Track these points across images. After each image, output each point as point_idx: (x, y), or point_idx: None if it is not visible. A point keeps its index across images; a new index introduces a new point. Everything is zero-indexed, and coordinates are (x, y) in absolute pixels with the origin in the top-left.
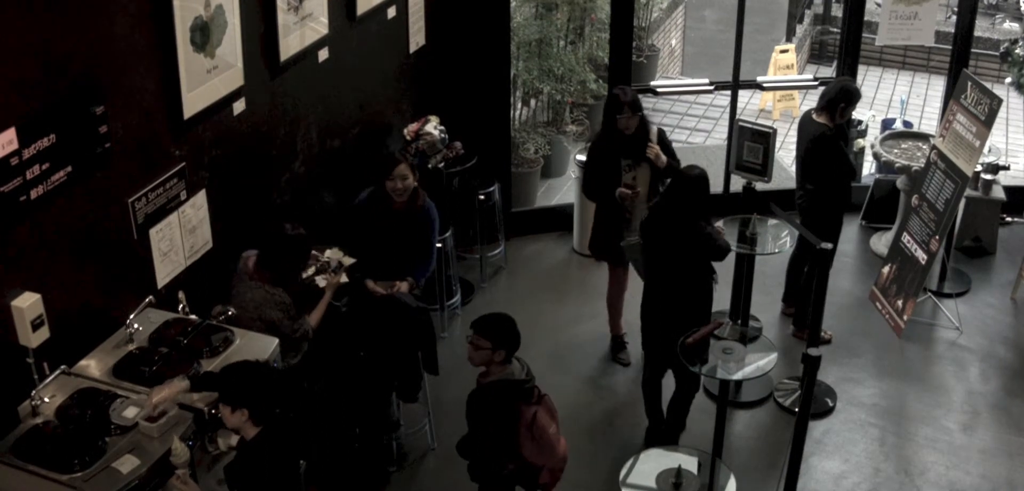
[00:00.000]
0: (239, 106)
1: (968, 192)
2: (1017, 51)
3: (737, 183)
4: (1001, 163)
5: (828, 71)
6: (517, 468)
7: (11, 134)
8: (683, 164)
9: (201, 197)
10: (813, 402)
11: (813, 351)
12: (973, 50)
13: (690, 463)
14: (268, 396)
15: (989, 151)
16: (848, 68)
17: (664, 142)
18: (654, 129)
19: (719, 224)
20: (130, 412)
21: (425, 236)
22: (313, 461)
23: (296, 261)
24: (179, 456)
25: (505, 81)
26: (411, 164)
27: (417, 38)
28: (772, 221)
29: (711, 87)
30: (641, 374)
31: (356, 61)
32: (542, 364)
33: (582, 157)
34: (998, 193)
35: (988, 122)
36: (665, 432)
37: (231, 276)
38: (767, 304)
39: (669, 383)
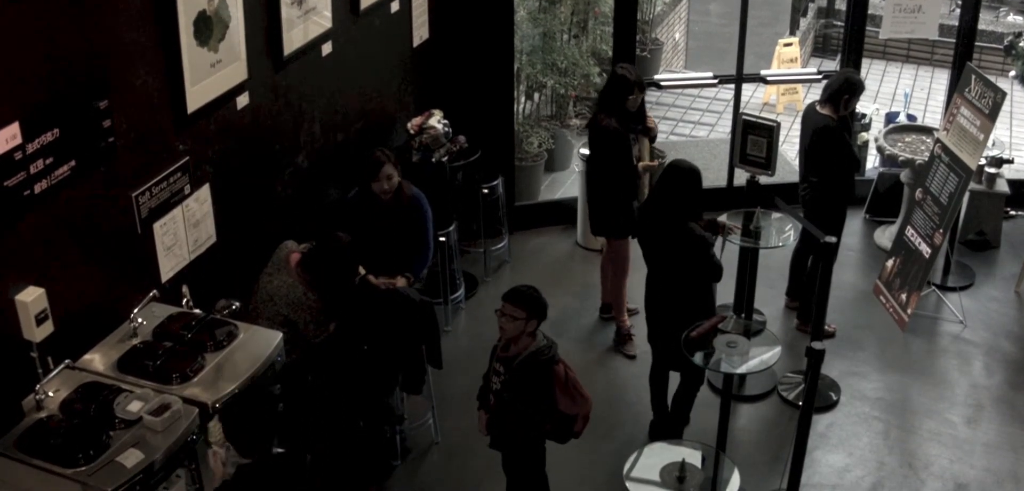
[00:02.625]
0: (243, 100)
1: (972, 186)
2: (1021, 44)
3: (741, 177)
4: (1005, 156)
5: (832, 64)
6: (553, 425)
7: (15, 128)
8: (683, 160)
9: (205, 191)
10: (817, 396)
11: (817, 345)
12: (977, 43)
13: (694, 457)
14: (269, 428)
15: (993, 145)
16: (852, 61)
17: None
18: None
19: (723, 217)
20: (134, 406)
21: (418, 228)
22: (318, 454)
23: (338, 272)
24: (215, 435)
25: (509, 75)
26: (394, 161)
27: (421, 32)
28: (776, 214)
29: (715, 81)
30: (643, 367)
31: (360, 55)
32: None
33: (585, 151)
34: (1002, 187)
35: (992, 115)
36: (669, 426)
37: (236, 269)
38: (771, 298)
39: (675, 376)
